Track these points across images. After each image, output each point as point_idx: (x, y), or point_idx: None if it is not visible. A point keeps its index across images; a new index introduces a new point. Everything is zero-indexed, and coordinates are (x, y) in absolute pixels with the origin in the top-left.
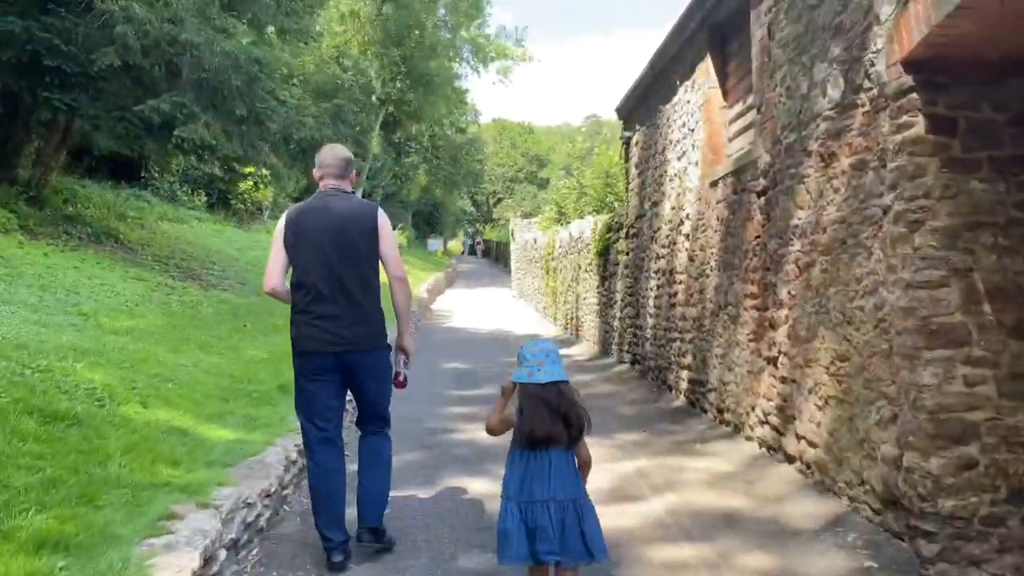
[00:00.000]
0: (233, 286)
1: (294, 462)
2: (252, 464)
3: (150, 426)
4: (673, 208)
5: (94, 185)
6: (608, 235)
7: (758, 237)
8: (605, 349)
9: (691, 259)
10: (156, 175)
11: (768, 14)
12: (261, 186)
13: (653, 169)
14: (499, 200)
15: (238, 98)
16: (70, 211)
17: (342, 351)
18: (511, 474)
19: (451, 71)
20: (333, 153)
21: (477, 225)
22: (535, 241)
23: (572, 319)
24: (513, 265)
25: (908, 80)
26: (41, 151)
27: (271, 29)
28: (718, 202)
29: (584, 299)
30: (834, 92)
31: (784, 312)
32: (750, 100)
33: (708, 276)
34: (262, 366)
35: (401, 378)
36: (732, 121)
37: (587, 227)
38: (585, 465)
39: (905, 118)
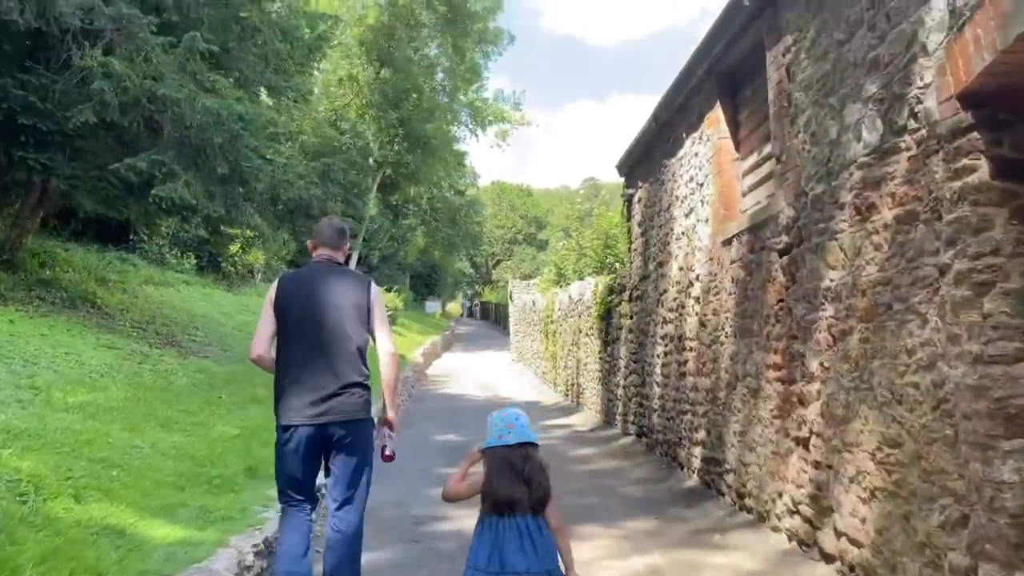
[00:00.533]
0: (215, 353)
1: (249, 567)
2: (195, 574)
3: (80, 526)
4: (681, 269)
5: (79, 248)
6: (610, 297)
7: (781, 301)
8: (608, 419)
9: (702, 324)
10: (145, 238)
11: (786, 55)
12: (252, 248)
13: (658, 227)
14: (498, 262)
15: (219, 156)
16: (46, 275)
17: (324, 422)
18: (479, 544)
19: (449, 134)
20: (329, 224)
21: (476, 287)
22: (534, 303)
23: (573, 385)
24: (512, 327)
25: (966, 117)
26: (17, 213)
27: (261, 87)
28: (732, 262)
29: (585, 365)
30: (871, 135)
31: (816, 387)
32: (767, 150)
33: (723, 343)
34: (231, 445)
35: (388, 452)
36: (746, 174)
37: (587, 289)
38: (559, 532)
39: (964, 161)
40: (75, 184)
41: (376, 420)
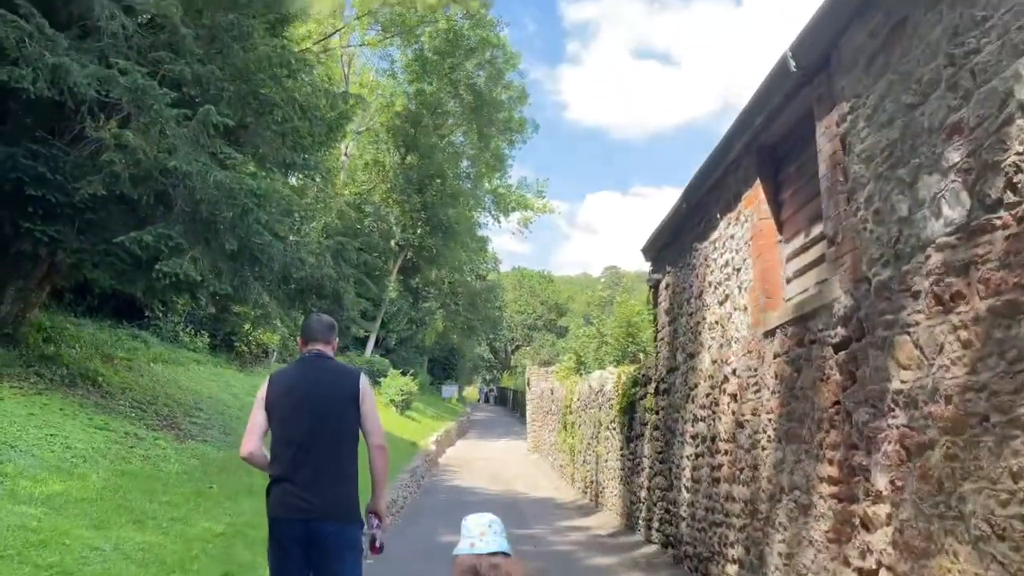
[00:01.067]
0: (215, 437)
1: None
2: None
3: None
4: (715, 362)
5: (92, 324)
6: (634, 390)
7: (837, 403)
8: (630, 523)
9: (740, 425)
10: (160, 315)
11: (841, 124)
12: (261, 328)
13: (688, 316)
14: (517, 347)
15: (228, 231)
16: (49, 351)
17: (310, 519)
18: None
19: (472, 219)
20: (317, 320)
21: (495, 372)
22: (552, 392)
23: (592, 482)
24: (529, 416)
25: None
26: (23, 286)
27: (277, 165)
28: (776, 356)
29: (606, 461)
30: (954, 211)
31: (884, 509)
32: (816, 231)
33: (764, 448)
34: (211, 546)
35: (377, 544)
36: (791, 258)
37: (609, 379)
38: None
39: None
40: (83, 258)
41: (364, 513)
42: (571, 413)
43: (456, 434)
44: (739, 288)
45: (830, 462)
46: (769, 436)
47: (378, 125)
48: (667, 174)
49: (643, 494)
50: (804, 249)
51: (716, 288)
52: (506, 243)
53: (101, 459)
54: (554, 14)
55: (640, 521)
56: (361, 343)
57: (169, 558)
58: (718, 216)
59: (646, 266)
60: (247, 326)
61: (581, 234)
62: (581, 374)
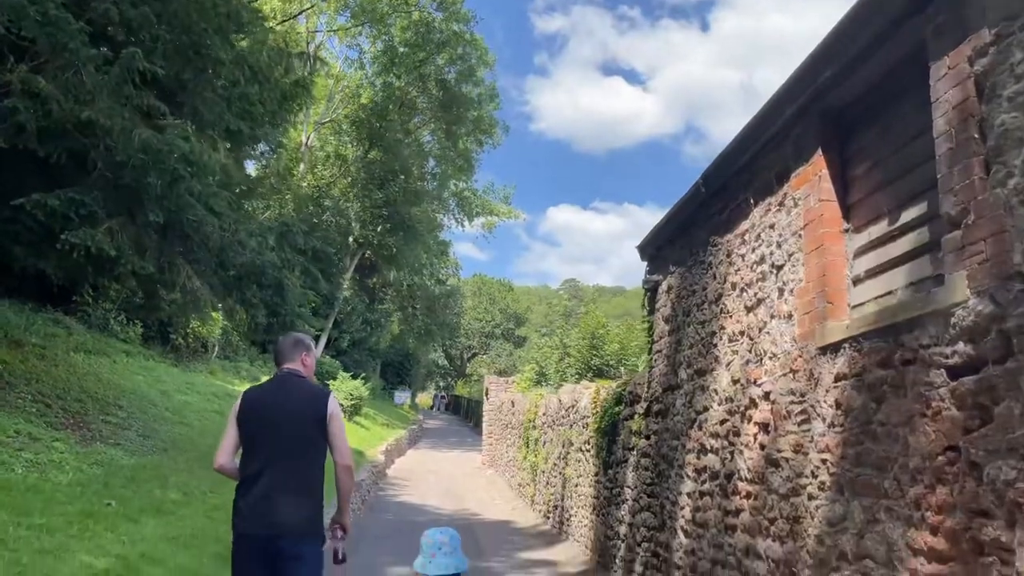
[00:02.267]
0: (130, 440)
1: None
2: None
3: None
4: (736, 382)
5: (12, 306)
6: (616, 409)
7: (951, 449)
8: (604, 560)
9: (771, 463)
10: (89, 300)
11: (978, 60)
12: (189, 319)
13: (698, 324)
14: (474, 355)
15: (154, 201)
16: None
17: (273, 534)
18: None
19: (435, 221)
20: (284, 339)
21: (449, 379)
22: (512, 404)
23: (556, 507)
24: (485, 428)
25: None
26: None
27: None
28: (839, 379)
29: (576, 486)
30: None
31: None
32: (907, 215)
33: (812, 498)
34: None
35: (340, 556)
36: (861, 252)
37: (584, 395)
38: None
39: None
40: None
41: (328, 524)
42: (534, 429)
43: (407, 443)
44: (780, 291)
45: (934, 530)
46: (823, 483)
47: (342, 116)
48: (628, 191)
49: (623, 530)
50: (885, 240)
51: (744, 291)
52: (467, 250)
53: None
54: (524, 24)
55: (617, 560)
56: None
57: None
58: (751, 201)
59: (606, 280)
60: (183, 317)
61: (541, 245)
62: (542, 385)
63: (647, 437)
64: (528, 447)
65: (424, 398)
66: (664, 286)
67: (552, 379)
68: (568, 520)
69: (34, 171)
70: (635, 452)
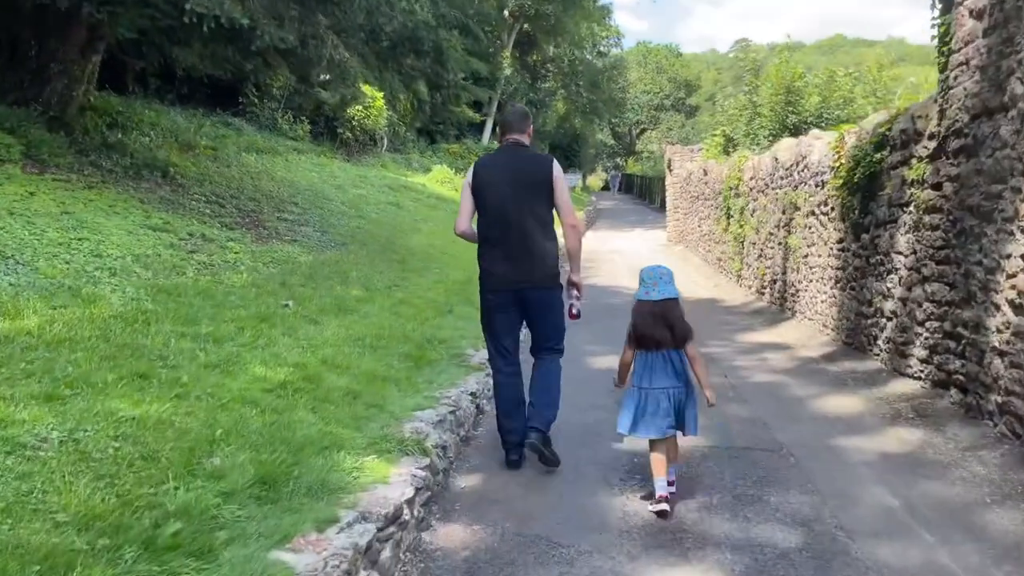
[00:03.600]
0: (307, 236)
1: None
2: None
3: None
4: None
5: (179, 111)
6: (878, 155)
7: None
8: (853, 341)
9: None
10: (255, 100)
11: None
12: (373, 111)
13: None
14: (643, 131)
15: None
16: (113, 138)
17: (520, 288)
18: (636, 371)
19: None
20: (512, 111)
21: (618, 159)
22: (705, 173)
23: (774, 283)
24: (669, 203)
25: None
26: (62, 56)
27: None
28: None
29: (804, 257)
30: None
31: None
32: None
33: None
34: (258, 411)
35: (575, 311)
36: None
37: (816, 146)
38: (694, 360)
39: None
40: (114, 10)
41: (564, 284)
42: (738, 196)
43: (584, 225)
44: None
45: None
46: None
47: None
48: None
49: (888, 306)
50: None
51: None
52: (624, 20)
53: (139, 270)
54: None
55: (878, 343)
56: (477, 128)
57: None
58: None
59: (781, 38)
60: (352, 110)
61: (704, 7)
62: (729, 153)
63: (937, 187)
64: (730, 217)
65: (593, 180)
66: None
67: (742, 143)
68: (795, 297)
69: None
70: (912, 208)
